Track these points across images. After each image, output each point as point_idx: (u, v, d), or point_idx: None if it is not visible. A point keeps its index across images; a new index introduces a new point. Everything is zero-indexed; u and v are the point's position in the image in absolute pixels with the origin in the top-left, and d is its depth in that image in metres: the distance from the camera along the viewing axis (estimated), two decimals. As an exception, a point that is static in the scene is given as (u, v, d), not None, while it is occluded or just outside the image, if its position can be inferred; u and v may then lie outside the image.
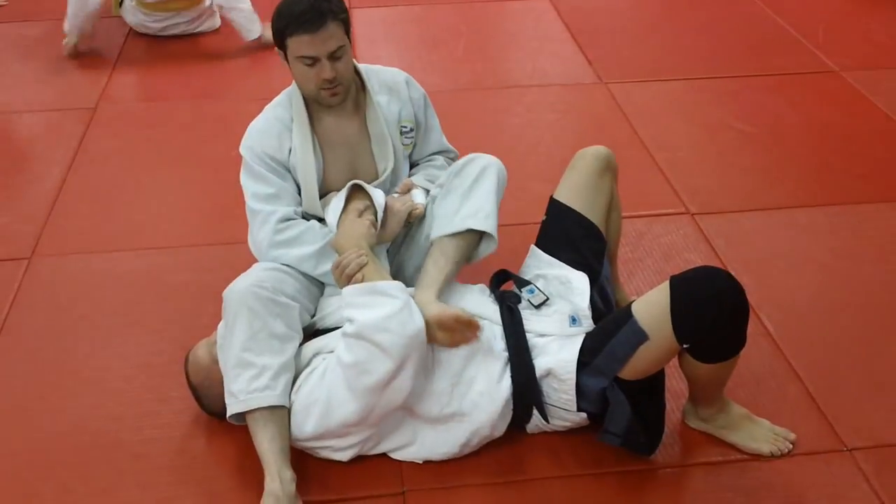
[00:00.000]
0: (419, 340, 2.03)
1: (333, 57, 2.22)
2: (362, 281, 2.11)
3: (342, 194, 2.32)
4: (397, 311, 2.02)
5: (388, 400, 2.06)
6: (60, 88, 4.05)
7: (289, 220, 2.34)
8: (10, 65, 4.32)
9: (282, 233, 2.32)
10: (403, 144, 2.48)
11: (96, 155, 3.54)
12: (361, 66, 2.43)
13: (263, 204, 2.34)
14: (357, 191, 2.33)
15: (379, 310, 2.03)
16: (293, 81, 2.34)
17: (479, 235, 2.31)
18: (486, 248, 2.35)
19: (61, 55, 4.35)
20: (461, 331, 2.09)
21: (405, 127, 2.47)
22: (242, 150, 2.38)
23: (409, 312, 2.04)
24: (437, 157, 2.60)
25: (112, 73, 4.15)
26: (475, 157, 2.38)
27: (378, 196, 2.31)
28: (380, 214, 2.28)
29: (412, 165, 2.58)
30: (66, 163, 3.47)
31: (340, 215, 2.28)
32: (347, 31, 2.26)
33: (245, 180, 2.38)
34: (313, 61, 2.21)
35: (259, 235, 2.35)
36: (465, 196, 2.31)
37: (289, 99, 2.39)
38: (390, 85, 2.45)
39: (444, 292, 2.22)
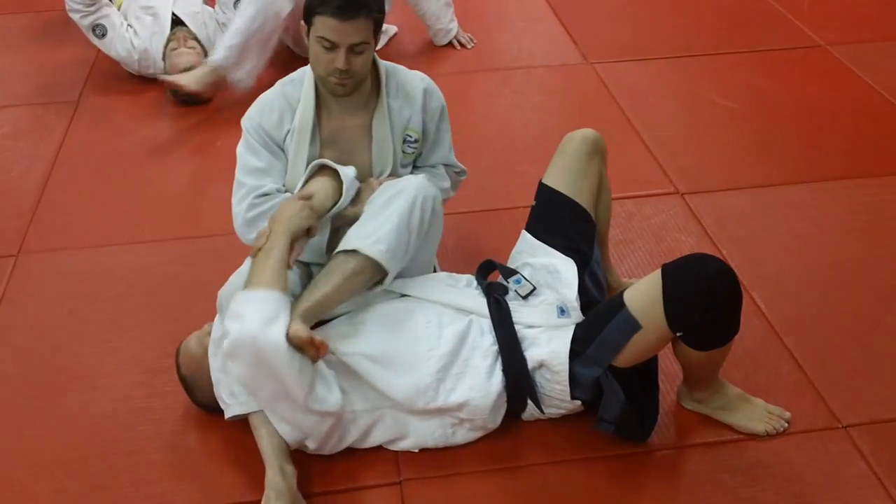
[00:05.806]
0: (257, 346, 1.94)
1: (353, 50, 2.18)
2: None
3: (306, 172, 2.28)
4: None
5: (289, 401, 2.03)
6: (43, 81, 4.00)
7: (267, 195, 2.31)
8: (-8, 58, 4.27)
9: (254, 208, 2.30)
10: (404, 153, 2.41)
11: (80, 148, 3.51)
12: (386, 65, 2.38)
13: (250, 177, 2.32)
14: (323, 169, 2.28)
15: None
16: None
17: (377, 264, 2.15)
18: (388, 279, 2.19)
19: (43, 48, 4.28)
20: (307, 349, 1.99)
21: (410, 136, 2.40)
22: (243, 119, 2.36)
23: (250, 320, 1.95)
24: (440, 166, 2.52)
25: (94, 65, 4.10)
26: (401, 179, 2.29)
27: (347, 170, 2.26)
28: (346, 186, 2.23)
29: (414, 169, 2.50)
30: (51, 157, 3.43)
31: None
32: (377, 31, 2.22)
33: (240, 149, 2.36)
34: (332, 46, 2.17)
35: (236, 209, 2.34)
36: (372, 216, 2.19)
37: (302, 78, 2.35)
38: (407, 90, 2.38)
39: (315, 313, 2.10)
